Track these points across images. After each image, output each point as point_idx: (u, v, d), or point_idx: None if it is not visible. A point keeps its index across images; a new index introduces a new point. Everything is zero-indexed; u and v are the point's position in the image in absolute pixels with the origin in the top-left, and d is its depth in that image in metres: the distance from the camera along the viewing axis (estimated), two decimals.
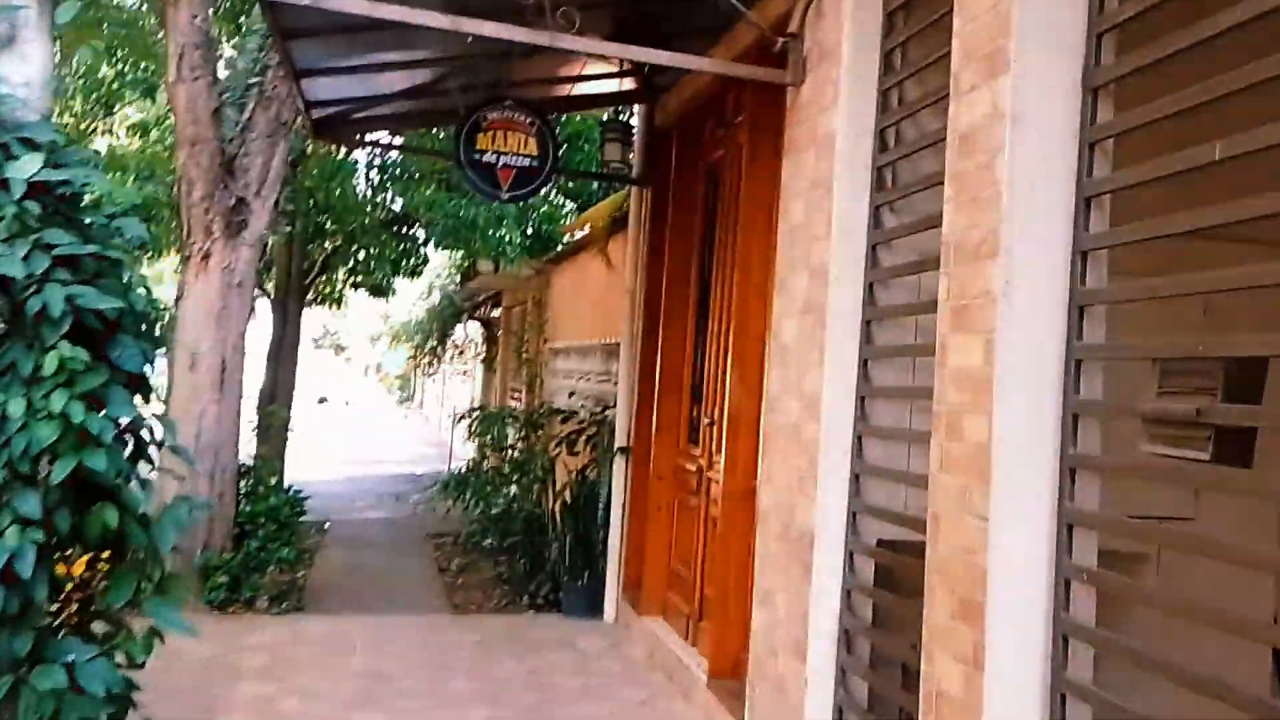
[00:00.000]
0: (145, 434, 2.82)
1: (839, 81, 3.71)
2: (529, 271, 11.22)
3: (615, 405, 7.15)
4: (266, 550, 6.53)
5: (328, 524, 11.27)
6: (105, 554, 2.63)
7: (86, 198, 2.70)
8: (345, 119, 5.91)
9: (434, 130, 8.76)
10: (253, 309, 12.97)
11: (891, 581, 3.45)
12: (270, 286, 11.50)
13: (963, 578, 2.61)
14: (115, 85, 10.88)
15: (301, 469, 15.67)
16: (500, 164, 5.08)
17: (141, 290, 2.68)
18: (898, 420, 3.56)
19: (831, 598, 3.56)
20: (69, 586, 2.57)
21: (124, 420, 2.60)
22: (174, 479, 6.33)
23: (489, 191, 5.13)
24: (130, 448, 2.73)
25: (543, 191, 11.40)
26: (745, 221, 4.83)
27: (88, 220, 2.62)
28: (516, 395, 12.92)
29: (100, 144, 11.14)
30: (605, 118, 6.22)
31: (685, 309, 5.99)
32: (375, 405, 33.78)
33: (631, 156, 6.01)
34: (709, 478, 5.33)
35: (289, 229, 10.40)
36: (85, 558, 2.61)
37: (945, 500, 2.73)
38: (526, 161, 5.12)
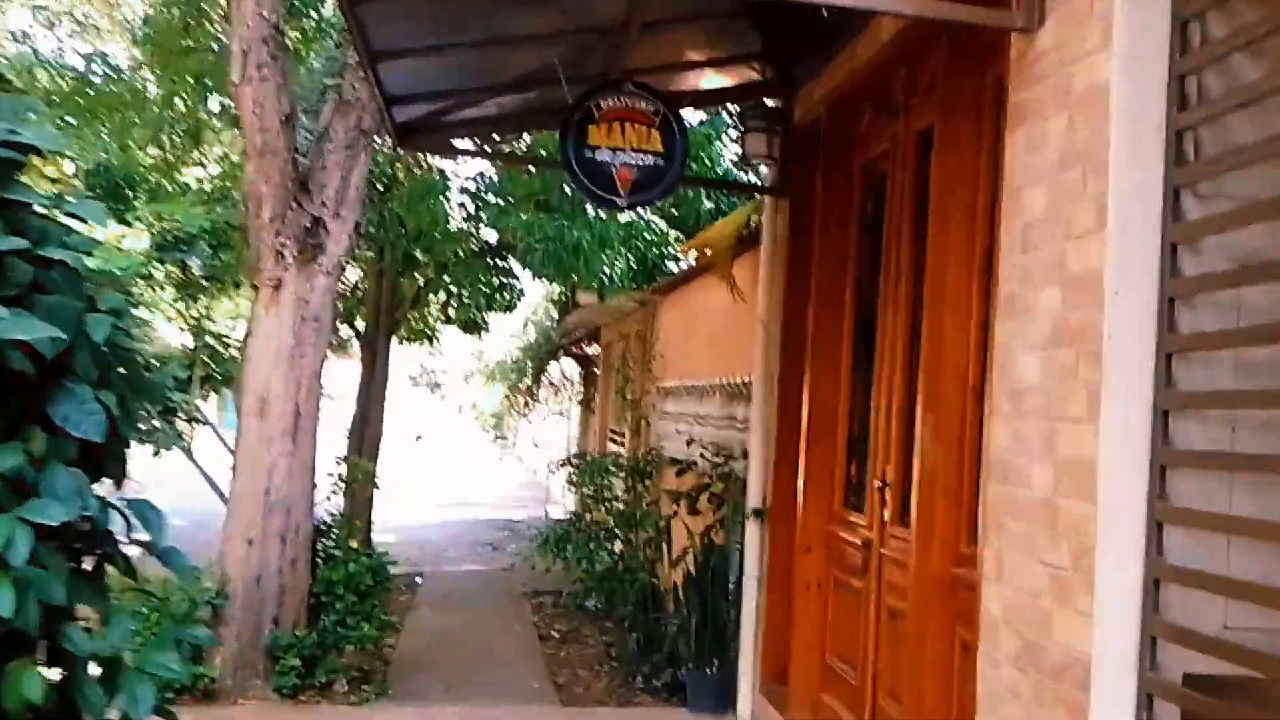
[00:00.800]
0: (120, 528, 1.87)
1: (1109, 14, 2.60)
2: (632, 304, 10.26)
3: (742, 456, 6.07)
4: (345, 626, 5.62)
5: (419, 579, 10.46)
6: None
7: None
8: (433, 122, 5.04)
9: (530, 143, 7.90)
10: (332, 346, 12.36)
11: None
12: (359, 324, 10.82)
13: None
14: (202, 115, 10.40)
15: (394, 512, 15.02)
16: (618, 163, 4.10)
17: (106, 315, 1.73)
18: (1214, 499, 2.42)
19: None
20: None
21: (66, 519, 1.64)
22: (243, 543, 5.54)
23: (604, 197, 4.15)
24: (92, 559, 1.77)
25: (646, 213, 10.45)
26: (936, 227, 3.74)
27: (19, 200, 1.68)
28: (618, 439, 11.94)
29: (188, 179, 10.68)
30: (736, 110, 5.18)
31: (839, 340, 4.90)
32: (470, 445, 33.34)
33: (777, 150, 4.94)
34: (883, 555, 4.19)
35: (379, 260, 9.68)
36: None
37: None
38: (650, 160, 4.13)
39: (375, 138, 5.59)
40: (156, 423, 5.94)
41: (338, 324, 11.72)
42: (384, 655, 7.05)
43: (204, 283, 6.13)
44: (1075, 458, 2.61)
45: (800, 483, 4.97)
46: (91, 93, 10.80)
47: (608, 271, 7.49)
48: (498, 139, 6.97)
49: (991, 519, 3.03)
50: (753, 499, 5.43)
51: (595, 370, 15.56)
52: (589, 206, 8.27)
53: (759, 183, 5.49)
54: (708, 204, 10.45)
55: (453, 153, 7.03)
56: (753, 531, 5.40)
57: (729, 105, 9.36)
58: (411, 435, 34.05)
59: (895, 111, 4.45)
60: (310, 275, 5.42)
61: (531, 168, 7.81)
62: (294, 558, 5.51)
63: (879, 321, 4.43)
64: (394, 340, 10.99)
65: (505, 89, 4.81)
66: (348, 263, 5.61)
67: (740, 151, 4.57)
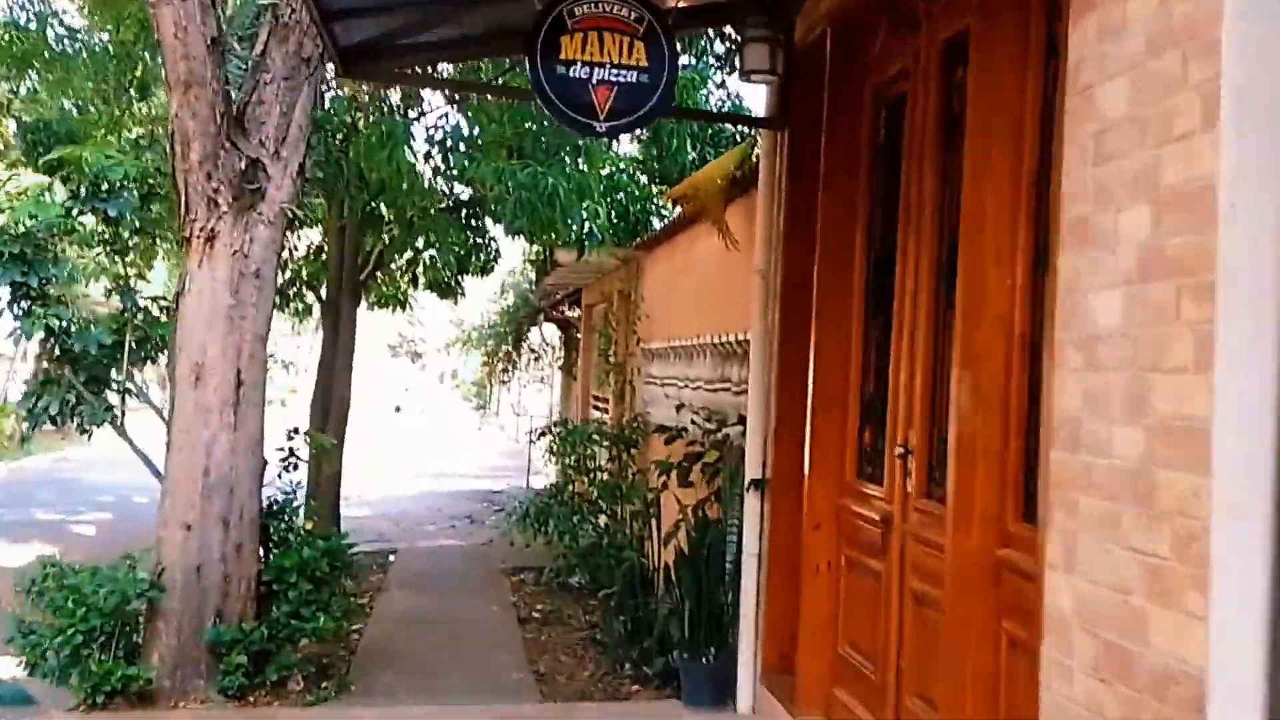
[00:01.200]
0: None
1: None
2: (614, 262, 9.65)
3: (738, 422, 5.52)
4: (299, 618, 5.05)
5: (392, 556, 9.92)
6: None
7: None
8: (382, 46, 4.40)
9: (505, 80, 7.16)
10: (297, 313, 11.67)
11: None
12: (322, 288, 10.18)
13: None
14: (150, 66, 9.66)
15: (369, 485, 14.46)
16: (595, 80, 3.49)
17: None
18: None
19: None
20: None
21: None
22: (180, 528, 4.96)
23: (579, 120, 3.53)
24: None
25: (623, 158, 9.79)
26: (974, 150, 3.16)
27: None
28: (601, 405, 11.39)
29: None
30: (726, 48, 4.53)
31: (849, 290, 4.33)
32: (451, 413, 32.81)
33: (781, 64, 4.29)
34: (906, 533, 3.65)
35: (339, 218, 9.01)
36: None
37: None
38: (633, 75, 3.51)
39: (320, 67, 4.93)
40: (85, 395, 5.31)
41: (303, 289, 11.05)
42: (350, 644, 6.51)
43: (134, 237, 5.47)
44: (1178, 418, 2.06)
45: (806, 451, 4.41)
46: (23, 43, 10.05)
47: (587, 224, 6.85)
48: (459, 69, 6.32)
49: (1057, 494, 2.48)
50: (751, 469, 4.88)
51: (576, 334, 14.99)
52: (565, 155, 7.63)
53: (753, 114, 4.86)
54: (691, 154, 9.81)
55: (407, 82, 6.33)
56: (752, 505, 4.85)
57: (713, 40, 8.72)
58: (390, 405, 33.52)
59: (915, 22, 3.85)
60: (249, 225, 4.78)
61: (497, 99, 7.11)
62: (239, 543, 4.92)
63: (897, 266, 3.85)
64: (361, 305, 10.34)
65: (466, 3, 4.17)
66: (293, 211, 4.98)
67: (739, 67, 3.91)
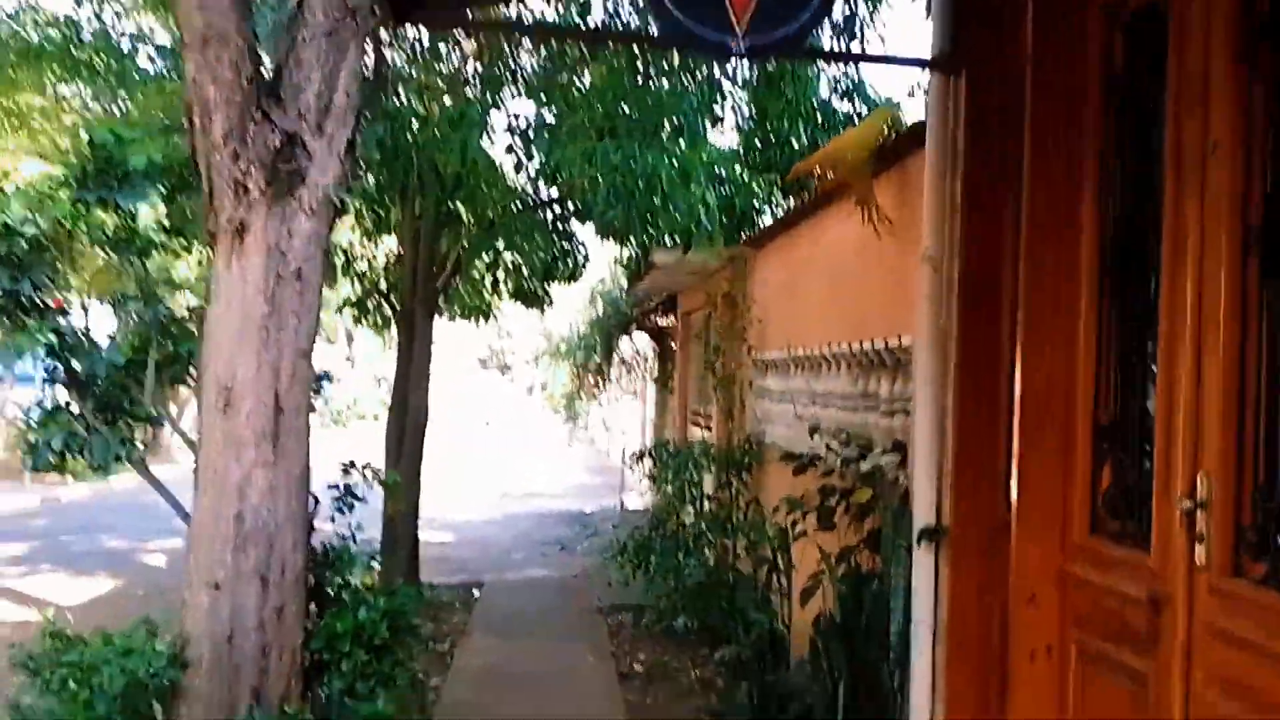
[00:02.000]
0: None
1: None
2: (716, 262, 8.57)
3: (891, 450, 4.41)
4: (354, 695, 4.11)
5: (477, 591, 9.04)
6: None
7: None
8: None
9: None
10: (374, 326, 10.90)
11: None
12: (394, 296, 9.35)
13: None
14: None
15: (453, 506, 13.68)
16: None
17: None
18: None
19: None
20: None
21: None
22: (207, 589, 4.09)
23: (708, 40, 2.49)
24: None
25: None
26: None
27: None
28: (703, 421, 10.31)
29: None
30: None
31: (1072, 275, 3.18)
32: (539, 426, 32.17)
33: None
34: (1198, 622, 2.49)
35: (415, 219, 8.14)
36: None
37: None
38: None
39: (370, 18, 4.01)
40: (95, 426, 4.48)
41: (381, 301, 10.26)
42: (425, 706, 5.60)
43: (158, 235, 4.66)
44: None
45: (1012, 494, 3.27)
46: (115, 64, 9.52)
47: (694, 212, 5.77)
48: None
49: None
50: (921, 514, 3.74)
51: (672, 344, 13.96)
52: (663, 135, 6.60)
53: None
54: (802, 140, 8.68)
55: (479, 27, 5.35)
56: (924, 561, 3.72)
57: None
58: (479, 418, 33.09)
59: None
60: (287, 215, 3.88)
61: (593, 48, 6.02)
62: (280, 605, 4.00)
63: (1164, 239, 2.70)
64: (441, 315, 9.48)
65: None
66: (342, 199, 4.07)
67: None
